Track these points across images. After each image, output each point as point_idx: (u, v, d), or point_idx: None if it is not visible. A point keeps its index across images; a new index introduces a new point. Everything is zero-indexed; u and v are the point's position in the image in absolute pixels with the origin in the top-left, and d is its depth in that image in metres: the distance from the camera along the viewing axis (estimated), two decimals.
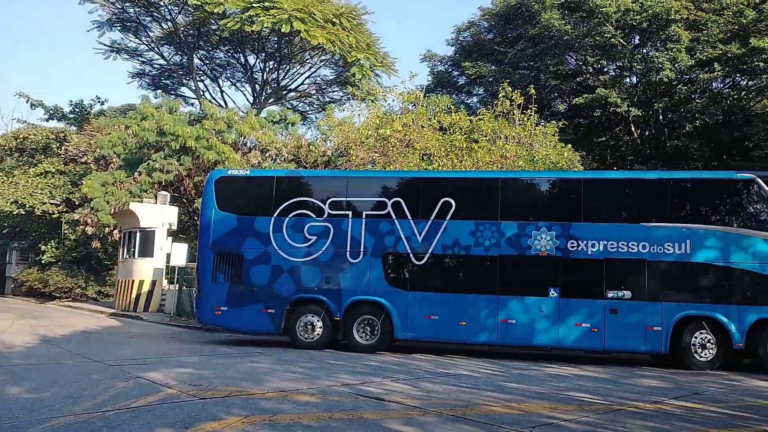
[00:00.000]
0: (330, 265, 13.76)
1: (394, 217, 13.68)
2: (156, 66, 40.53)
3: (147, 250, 23.63)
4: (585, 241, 13.06)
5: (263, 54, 38.33)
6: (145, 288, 23.38)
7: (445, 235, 13.45)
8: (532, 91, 22.36)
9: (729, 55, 24.36)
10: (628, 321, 12.78)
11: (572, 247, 13.07)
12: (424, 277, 13.71)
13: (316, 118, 40.99)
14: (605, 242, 12.99)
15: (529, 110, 22.23)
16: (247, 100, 40.93)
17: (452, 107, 24.39)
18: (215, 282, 14.06)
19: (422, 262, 13.52)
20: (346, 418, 6.39)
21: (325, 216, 13.91)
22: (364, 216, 13.83)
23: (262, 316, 13.72)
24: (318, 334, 13.66)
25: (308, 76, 40.61)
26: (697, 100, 26.39)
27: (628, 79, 29.34)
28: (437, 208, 13.58)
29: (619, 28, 27.34)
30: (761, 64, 23.79)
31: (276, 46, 37.14)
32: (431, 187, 14.20)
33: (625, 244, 12.94)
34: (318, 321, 13.64)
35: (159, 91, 39.87)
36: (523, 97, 22.05)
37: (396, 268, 13.80)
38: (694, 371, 12.46)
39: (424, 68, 43.13)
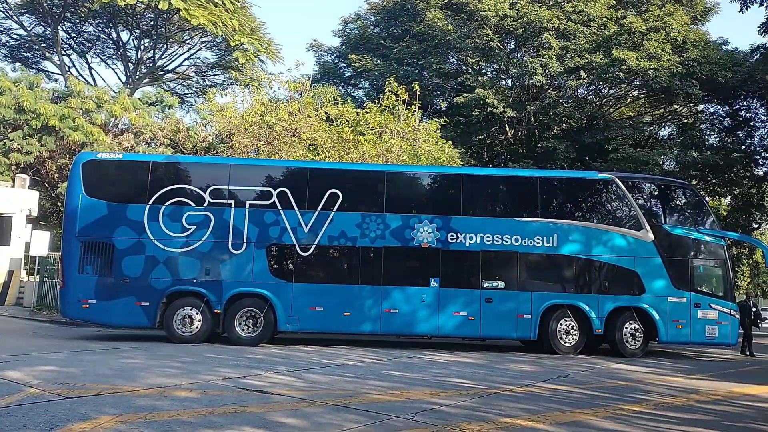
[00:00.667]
0: (210, 256, 13.38)
1: (279, 207, 13.59)
2: (14, 36, 36.75)
3: (2, 238, 21.49)
4: (464, 234, 13.83)
5: (138, 31, 36.01)
6: (0, 279, 21.25)
7: (331, 227, 13.59)
8: (417, 87, 22.90)
9: (593, 65, 26.40)
10: (502, 309, 13.70)
11: (452, 239, 13.78)
12: (310, 268, 13.69)
13: (196, 102, 39.29)
14: (482, 235, 13.85)
15: (413, 106, 22.75)
16: (120, 79, 38.37)
17: (339, 99, 24.38)
18: (82, 273, 13.19)
19: (308, 253, 13.57)
20: (228, 413, 6.21)
21: (205, 205, 13.51)
22: (247, 206, 13.59)
23: (135, 310, 13.08)
24: (197, 328, 13.20)
25: (188, 58, 38.80)
26: (564, 105, 28.32)
27: (504, 82, 30.91)
28: (324, 199, 13.69)
29: (497, 32, 28.72)
30: (621, 74, 26.02)
31: (152, 23, 35.04)
32: (318, 178, 14.11)
33: (500, 237, 13.89)
34: (197, 314, 13.21)
35: (18, 64, 36.20)
36: (407, 93, 22.52)
37: (281, 260, 13.67)
38: (560, 356, 13.52)
39: (311, 57, 42.68)
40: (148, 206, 13.38)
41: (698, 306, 14.04)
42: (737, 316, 14.49)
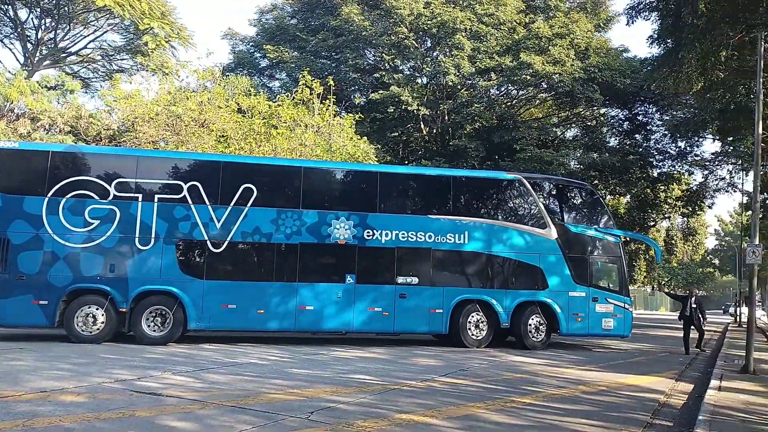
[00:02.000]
0: (115, 251, 12.73)
1: (190, 201, 13.14)
2: None
3: None
4: (379, 231, 14.00)
5: (38, 9, 33.65)
6: None
7: (245, 222, 13.30)
8: (332, 82, 22.83)
9: (503, 67, 27.34)
10: (415, 304, 14.03)
11: (368, 236, 13.92)
12: (222, 265, 13.33)
13: (102, 87, 37.23)
14: (397, 232, 14.09)
15: (328, 100, 22.66)
16: (17, 60, 35.70)
17: (252, 90, 23.88)
18: None
19: (220, 249, 13.21)
20: (115, 417, 5.97)
21: (110, 198, 12.84)
22: (156, 199, 13.03)
23: (32, 309, 12.25)
24: (100, 327, 12.49)
25: (93, 40, 36.64)
26: (476, 105, 29.13)
27: (419, 80, 31.38)
28: (238, 194, 13.37)
29: (413, 30, 29.11)
30: (528, 77, 27.10)
31: (54, 2, 32.87)
32: (232, 172, 13.68)
33: (414, 234, 14.17)
34: (100, 312, 12.50)
35: None
36: (323, 87, 22.40)
37: (191, 256, 13.30)
38: (464, 349, 13.95)
39: (226, 46, 41.50)
40: (47, 199, 12.55)
41: (596, 300, 15.06)
42: (631, 309, 15.71)
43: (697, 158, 32.67)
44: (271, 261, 13.58)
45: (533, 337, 14.74)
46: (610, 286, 15.52)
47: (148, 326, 12.76)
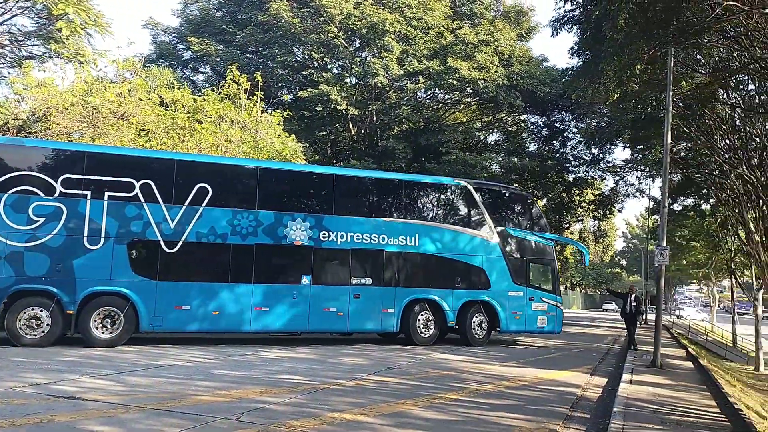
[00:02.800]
0: (62, 251, 11.99)
1: (143, 200, 12.62)
2: None
3: None
4: (335, 233, 14.14)
5: None
6: None
7: (200, 222, 12.97)
8: (259, 77, 22.45)
9: (431, 71, 27.84)
10: (368, 304, 14.35)
11: (324, 237, 14.02)
12: (176, 265, 12.88)
13: (10, 74, 34.84)
14: (352, 234, 14.31)
15: (255, 96, 22.27)
16: None
17: (175, 83, 23.10)
18: None
19: (174, 249, 12.80)
20: (32, 423, 5.64)
21: (56, 195, 12.08)
22: (106, 197, 12.38)
23: None
24: (45, 330, 11.74)
25: (1, 23, 34.26)
26: (404, 107, 29.53)
27: (348, 80, 31.41)
28: (193, 194, 13.02)
29: (342, 30, 29.10)
30: (454, 81, 27.71)
31: None
32: (186, 171, 13.28)
33: (369, 236, 14.48)
34: (46, 315, 11.75)
35: None
36: (250, 83, 21.98)
37: (144, 256, 12.73)
38: (390, 347, 14.14)
39: (146, 36, 39.93)
40: None
41: (532, 299, 16.14)
42: (562, 307, 16.92)
43: (609, 165, 34.58)
44: (226, 262, 13.28)
45: (477, 334, 15.50)
46: (545, 286, 16.66)
47: (98, 328, 12.12)
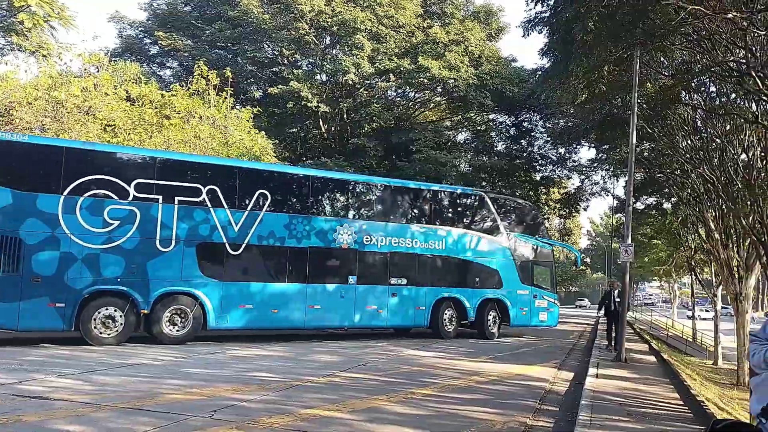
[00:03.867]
0: (136, 253, 12.38)
1: (209, 205, 13.28)
2: None
3: None
4: (376, 237, 15.50)
5: None
6: None
7: (261, 227, 13.79)
8: (229, 73, 22.23)
9: (402, 69, 27.90)
10: (404, 302, 15.85)
11: (366, 241, 15.34)
12: (240, 266, 13.70)
13: None
14: (390, 238, 15.75)
15: (224, 92, 22.04)
16: None
17: (142, 78, 22.70)
18: None
19: (238, 252, 13.54)
20: None
21: (130, 199, 12.44)
22: (176, 202, 12.92)
23: (48, 312, 11.54)
24: (118, 330, 12.14)
25: None
26: (375, 105, 29.53)
27: (319, 77, 31.29)
28: (254, 199, 13.87)
29: (313, 27, 28.98)
30: (426, 80, 27.86)
31: None
32: (248, 178, 14.18)
33: (404, 240, 15.98)
34: (120, 314, 12.14)
35: None
36: (219, 79, 21.75)
37: (210, 258, 13.31)
38: (362, 344, 14.18)
39: (112, 30, 39.10)
40: (62, 197, 11.80)
41: (536, 297, 18.19)
42: (558, 303, 19.12)
43: (575, 164, 35.19)
44: (284, 263, 14.23)
45: (491, 329, 17.28)
46: (545, 285, 18.78)
47: (168, 326, 12.75)
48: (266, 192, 14.02)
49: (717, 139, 18.07)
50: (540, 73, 21.99)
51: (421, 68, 26.92)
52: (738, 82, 13.44)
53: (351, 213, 15.48)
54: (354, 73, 27.71)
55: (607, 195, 36.11)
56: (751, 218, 16.71)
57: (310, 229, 14.49)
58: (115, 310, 12.15)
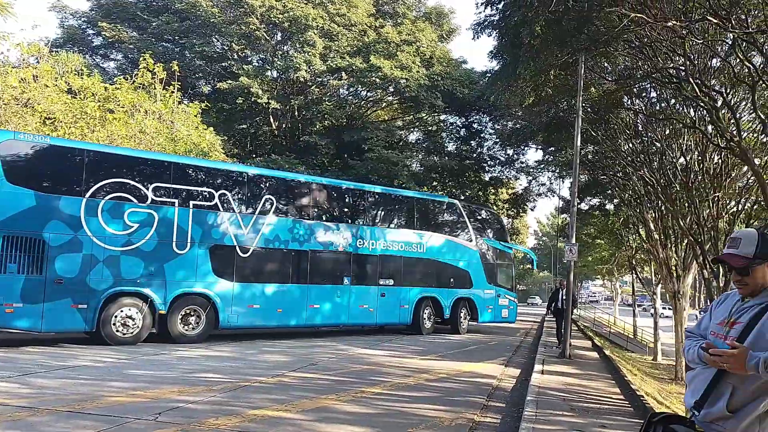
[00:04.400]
0: (154, 255, 12.74)
1: (221, 208, 13.84)
2: None
3: None
4: (368, 241, 16.63)
5: None
6: None
7: (268, 230, 14.54)
8: (176, 67, 21.70)
9: (354, 68, 27.86)
10: (391, 301, 17.12)
11: (360, 244, 16.42)
12: (248, 268, 14.28)
13: None
14: (379, 242, 16.93)
15: (171, 86, 21.49)
16: None
17: (85, 69, 21.88)
18: (4, 273, 11.05)
19: (247, 254, 14.18)
20: None
21: (148, 202, 12.77)
22: (191, 205, 13.37)
23: (70, 313, 11.68)
24: (137, 330, 12.53)
25: None
26: (327, 103, 29.39)
27: (269, 73, 30.91)
28: (261, 204, 14.58)
29: (264, 22, 28.60)
30: (378, 80, 27.90)
31: None
32: (255, 183, 14.92)
33: (391, 244, 17.20)
34: (139, 315, 12.51)
35: None
36: (165, 72, 21.20)
37: (222, 260, 13.81)
38: (310, 344, 14.10)
39: (53, 19, 37.53)
40: (84, 200, 11.95)
41: (499, 296, 20.22)
42: (516, 302, 21.16)
43: (522, 165, 35.95)
44: (288, 265, 15.08)
45: (462, 325, 19.02)
46: (506, 285, 20.84)
47: (183, 326, 13.21)
48: (272, 197, 14.84)
49: (657, 143, 18.78)
50: (489, 75, 22.37)
51: (373, 67, 26.95)
52: (677, 88, 14.01)
53: (346, 218, 16.63)
54: (305, 71, 27.51)
55: (553, 196, 37.10)
56: (688, 219, 17.45)
57: (311, 233, 15.40)
58: (135, 311, 12.47)
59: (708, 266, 15.74)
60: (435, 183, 35.39)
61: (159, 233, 12.78)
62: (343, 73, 28.23)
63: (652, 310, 56.00)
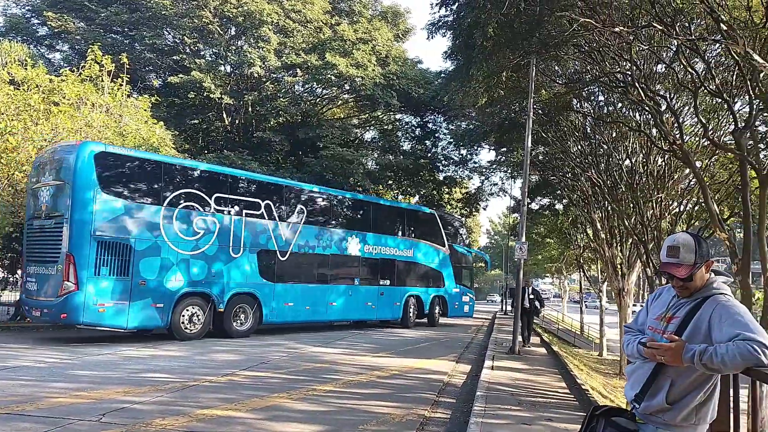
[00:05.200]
0: (215, 258, 14.31)
1: (266, 217, 15.61)
2: None
3: None
4: (372, 246, 19.13)
5: None
6: None
7: (300, 237, 16.54)
8: (125, 59, 21.06)
9: (309, 65, 27.64)
10: (388, 299, 19.78)
11: (366, 250, 18.97)
12: (285, 270, 16.12)
13: None
14: (380, 247, 19.48)
15: (120, 79, 20.87)
16: None
17: (29, 60, 21.01)
18: (98, 275, 12.15)
19: (285, 258, 16.04)
20: None
21: (211, 211, 14.32)
22: (244, 214, 15.06)
23: (150, 312, 13.02)
24: (200, 326, 14.06)
25: None
26: (281, 99, 29.05)
27: (222, 68, 30.37)
28: (295, 213, 16.65)
29: (217, 16, 28.08)
30: (333, 77, 27.76)
31: None
32: (290, 194, 16.86)
33: (388, 249, 19.83)
34: (202, 313, 14.08)
35: None
36: (114, 65, 20.56)
37: (266, 263, 15.59)
38: (262, 342, 13.99)
39: None
40: (163, 208, 13.32)
41: (462, 294, 23.40)
42: (474, 299, 24.65)
43: (476, 165, 36.49)
44: (314, 267, 17.24)
45: (436, 319, 22.29)
46: (467, 284, 24.15)
47: (235, 323, 14.85)
48: (303, 207, 16.94)
49: (604, 145, 19.35)
50: (444, 75, 22.61)
51: (329, 65, 26.81)
52: (623, 92, 14.46)
53: (357, 226, 18.88)
54: (260, 66, 27.16)
55: (505, 195, 37.91)
56: (633, 219, 18.06)
57: (331, 239, 17.63)
58: (199, 309, 14.03)
59: (651, 265, 16.33)
60: (390, 182, 35.51)
61: (219, 239, 14.37)
62: (298, 70, 28.00)
63: (591, 305, 57.64)
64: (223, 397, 7.38)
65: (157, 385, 7.92)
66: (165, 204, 13.31)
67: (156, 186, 13.37)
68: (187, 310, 13.79)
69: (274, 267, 15.74)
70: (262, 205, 15.56)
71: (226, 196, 14.74)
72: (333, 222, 18.09)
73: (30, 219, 13.26)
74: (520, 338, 14.13)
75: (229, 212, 14.72)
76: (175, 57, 29.30)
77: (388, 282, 19.72)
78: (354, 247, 18.39)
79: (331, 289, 17.63)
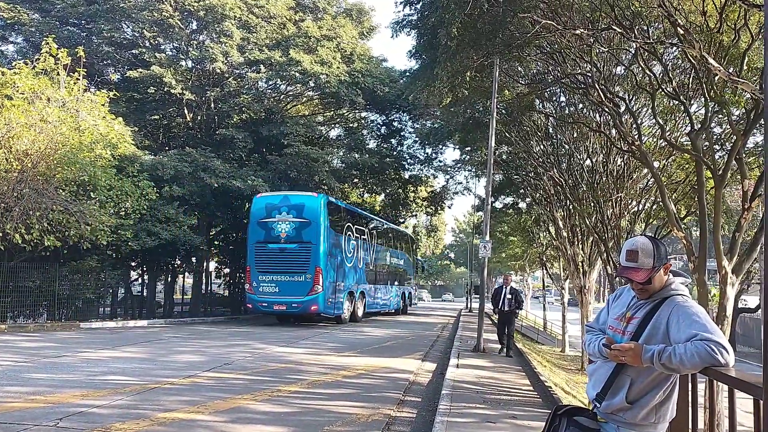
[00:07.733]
0: (354, 268, 22.61)
1: (368, 240, 24.42)
2: None
3: None
4: (392, 258, 28.97)
5: None
6: None
7: (375, 253, 25.53)
8: (82, 53, 20.46)
9: (272, 61, 27.28)
10: (396, 295, 29.38)
11: (391, 260, 28.70)
12: (373, 277, 25.11)
13: None
14: (392, 258, 28.93)
15: (77, 73, 20.26)
16: None
17: None
18: (327, 281, 19.67)
19: (372, 268, 24.92)
20: None
21: (354, 236, 22.55)
22: (360, 239, 23.44)
23: (332, 303, 20.39)
24: (349, 313, 22.15)
25: None
26: (244, 96, 28.58)
27: (184, 63, 29.76)
28: (374, 238, 25.77)
29: (178, 10, 27.50)
30: (297, 74, 27.45)
31: None
32: (372, 225, 26.10)
33: (393, 258, 29.17)
34: (350, 304, 22.11)
35: None
36: (70, 58, 19.95)
37: (367, 272, 24.12)
38: (225, 343, 13.77)
39: None
40: (344, 236, 21.32)
41: (414, 289, 33.41)
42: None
43: (440, 164, 36.72)
44: (380, 273, 26.52)
45: (408, 310, 31.97)
46: (415, 282, 35.09)
47: (353, 310, 22.50)
48: (374, 233, 25.78)
49: (566, 145, 19.71)
50: (409, 74, 22.64)
51: (293, 61, 26.51)
52: (584, 93, 14.74)
53: (393, 245, 29.06)
54: (222, 62, 26.72)
55: (470, 194, 38.42)
56: (593, 218, 18.43)
57: (384, 254, 27.10)
58: (348, 301, 21.58)
59: (611, 263, 16.70)
60: (356, 180, 35.42)
61: (357, 256, 22.54)
62: (262, 66, 27.61)
63: (552, 303, 58.57)
64: (185, 399, 7.24)
65: (117, 388, 7.72)
66: (343, 233, 21.20)
67: (343, 222, 21.46)
68: (349, 302, 21.82)
69: (367, 274, 24.07)
70: (366, 231, 23.99)
71: (357, 226, 22.95)
72: (384, 242, 27.30)
73: (262, 243, 19.65)
74: (484, 335, 14.26)
75: (357, 238, 22.73)
76: (134, 51, 28.59)
77: (396, 283, 29.38)
78: (391, 259, 28.18)
79: (386, 289, 27.26)
